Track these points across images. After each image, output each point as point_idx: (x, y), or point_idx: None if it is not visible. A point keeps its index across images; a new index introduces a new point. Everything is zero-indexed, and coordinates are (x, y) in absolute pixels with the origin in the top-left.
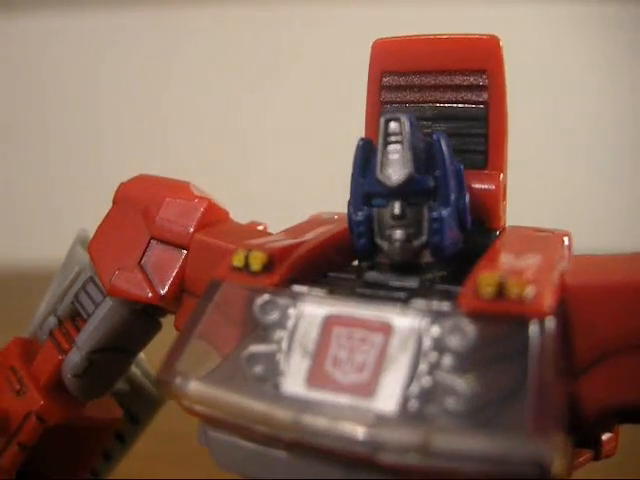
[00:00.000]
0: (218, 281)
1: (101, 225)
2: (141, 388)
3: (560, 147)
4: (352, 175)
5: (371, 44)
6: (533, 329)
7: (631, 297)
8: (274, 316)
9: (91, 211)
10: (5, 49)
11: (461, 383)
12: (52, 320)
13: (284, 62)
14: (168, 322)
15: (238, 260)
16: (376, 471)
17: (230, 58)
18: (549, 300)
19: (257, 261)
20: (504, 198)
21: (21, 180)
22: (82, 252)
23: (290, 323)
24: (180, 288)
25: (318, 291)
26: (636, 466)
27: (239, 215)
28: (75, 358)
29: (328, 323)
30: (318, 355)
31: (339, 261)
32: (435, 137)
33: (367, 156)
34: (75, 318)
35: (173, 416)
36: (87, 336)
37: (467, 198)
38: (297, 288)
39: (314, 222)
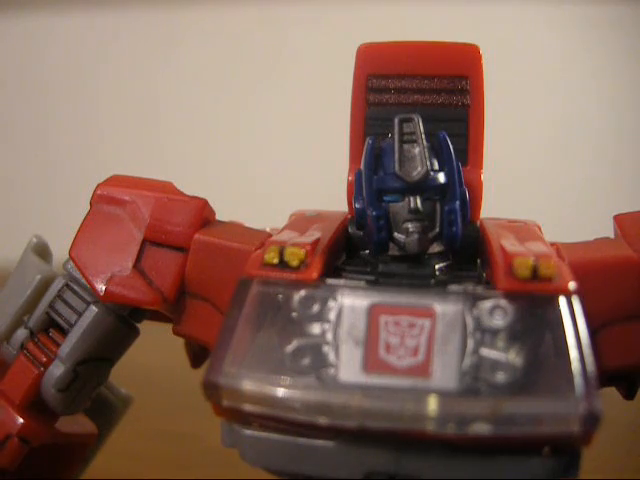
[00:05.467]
0: (248, 279)
1: (81, 229)
2: (103, 400)
3: (561, 147)
4: (362, 173)
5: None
6: (564, 305)
7: (623, 271)
8: (314, 310)
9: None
10: (4, 48)
11: (506, 357)
12: (22, 333)
13: (283, 62)
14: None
15: (271, 257)
16: (426, 449)
17: (229, 58)
18: (571, 279)
19: (294, 257)
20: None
21: (19, 180)
22: (38, 259)
23: (332, 315)
24: (181, 290)
25: (355, 283)
26: (636, 466)
27: (241, 214)
28: (58, 371)
29: (373, 312)
30: (369, 343)
31: (338, 256)
32: (441, 136)
33: (375, 154)
34: (49, 329)
35: (171, 417)
36: (71, 347)
37: (466, 192)
38: (332, 281)
39: (305, 219)
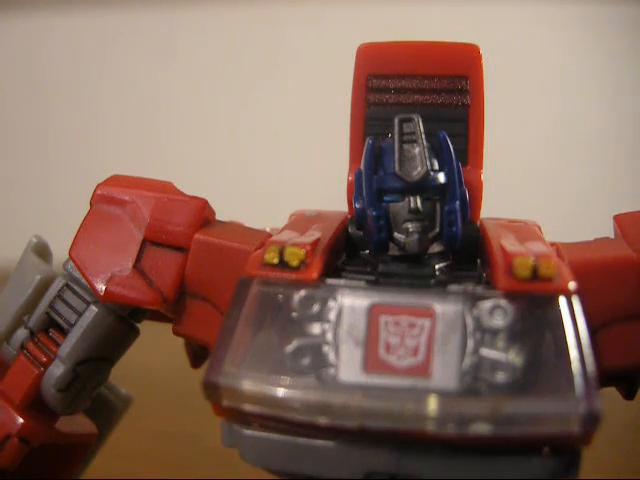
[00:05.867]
0: (248, 279)
1: (81, 229)
2: (103, 400)
3: (561, 147)
4: (362, 173)
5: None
6: (564, 305)
7: (622, 271)
8: (314, 310)
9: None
10: (3, 48)
11: (506, 357)
12: (22, 333)
13: (282, 62)
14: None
15: (271, 257)
16: (426, 449)
17: (229, 58)
18: (571, 279)
19: (294, 257)
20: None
21: (17, 180)
22: (38, 259)
23: (332, 315)
24: (181, 290)
25: (355, 283)
26: (636, 466)
27: (241, 214)
28: (58, 371)
29: (373, 312)
30: (369, 343)
31: (337, 256)
32: (441, 136)
33: (375, 154)
34: (49, 329)
35: (171, 417)
36: (72, 347)
37: (466, 192)
38: (332, 282)
39: (304, 220)
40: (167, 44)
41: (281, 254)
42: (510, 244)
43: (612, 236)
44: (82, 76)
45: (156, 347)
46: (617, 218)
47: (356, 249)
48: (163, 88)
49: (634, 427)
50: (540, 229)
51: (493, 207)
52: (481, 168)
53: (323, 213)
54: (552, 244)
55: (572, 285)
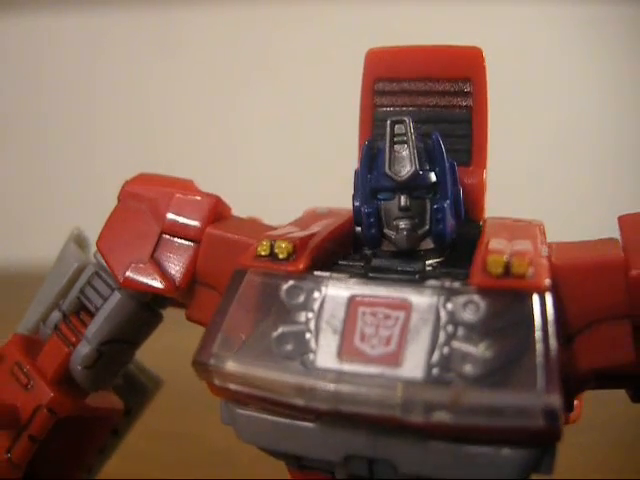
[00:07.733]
0: (242, 269)
1: (108, 222)
2: (134, 380)
3: (562, 147)
4: (359, 172)
5: (365, 53)
6: (535, 302)
7: (608, 272)
8: (300, 299)
9: (85, 210)
10: (3, 48)
11: (476, 350)
12: (57, 315)
13: (277, 61)
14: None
15: (263, 249)
16: (400, 435)
17: (224, 57)
18: (546, 277)
19: (283, 250)
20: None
21: (16, 179)
22: (77, 249)
23: (316, 305)
24: (193, 279)
25: (340, 275)
26: (636, 466)
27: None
28: (84, 350)
29: (353, 304)
30: (346, 332)
31: (341, 250)
32: (434, 137)
33: (371, 155)
34: (80, 312)
35: (173, 416)
36: (97, 328)
37: (461, 191)
38: (319, 273)
39: (313, 216)
40: (168, 44)
41: (271, 247)
42: (496, 242)
43: (617, 237)
44: (80, 75)
45: (156, 347)
46: (620, 219)
47: (361, 245)
48: (159, 89)
49: (634, 427)
50: (542, 229)
51: (496, 207)
52: (484, 168)
53: (334, 210)
54: (550, 244)
55: (544, 282)
